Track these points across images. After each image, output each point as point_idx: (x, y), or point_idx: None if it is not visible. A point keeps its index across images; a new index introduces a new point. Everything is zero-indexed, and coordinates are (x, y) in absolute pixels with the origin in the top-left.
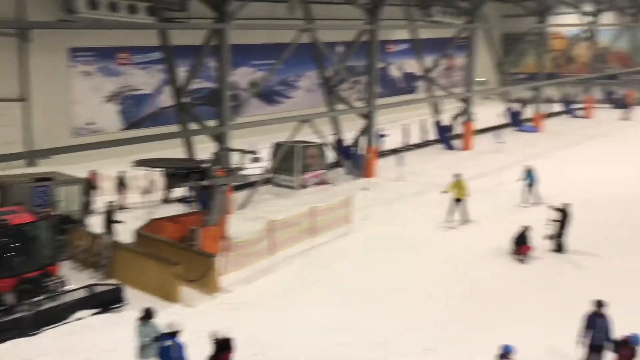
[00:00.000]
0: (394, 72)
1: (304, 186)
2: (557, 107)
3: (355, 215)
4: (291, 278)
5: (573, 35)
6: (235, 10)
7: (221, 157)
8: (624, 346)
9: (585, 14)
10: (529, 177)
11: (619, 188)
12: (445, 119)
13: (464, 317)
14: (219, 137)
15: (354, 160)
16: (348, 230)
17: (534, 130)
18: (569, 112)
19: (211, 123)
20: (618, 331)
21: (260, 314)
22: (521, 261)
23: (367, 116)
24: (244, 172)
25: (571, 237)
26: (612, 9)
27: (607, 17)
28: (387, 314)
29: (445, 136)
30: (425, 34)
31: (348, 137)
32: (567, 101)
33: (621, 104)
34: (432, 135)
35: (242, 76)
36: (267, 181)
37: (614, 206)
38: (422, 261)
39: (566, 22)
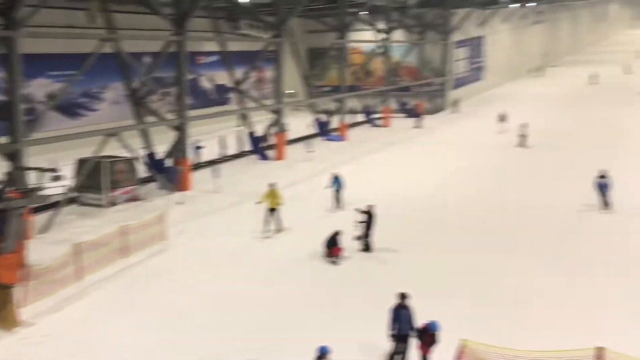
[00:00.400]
0: (205, 83)
1: (113, 203)
2: (359, 117)
3: (170, 231)
4: (102, 303)
5: (370, 51)
6: (26, 16)
7: (16, 177)
8: (425, 333)
9: (379, 31)
10: (336, 183)
11: (414, 188)
12: (259, 130)
13: (285, 322)
14: (13, 155)
15: (167, 173)
16: (164, 247)
17: (340, 139)
18: (369, 121)
19: (2, 140)
20: (420, 319)
21: (68, 345)
22: (334, 263)
23: (179, 128)
24: (43, 192)
25: (377, 236)
26: (402, 27)
27: (398, 35)
28: (208, 330)
29: (259, 147)
30: (235, 46)
31: (160, 150)
32: (367, 111)
33: (413, 113)
34: (248, 146)
35: (39, 88)
36: (71, 200)
37: (411, 205)
38: (240, 272)
39: (363, 38)
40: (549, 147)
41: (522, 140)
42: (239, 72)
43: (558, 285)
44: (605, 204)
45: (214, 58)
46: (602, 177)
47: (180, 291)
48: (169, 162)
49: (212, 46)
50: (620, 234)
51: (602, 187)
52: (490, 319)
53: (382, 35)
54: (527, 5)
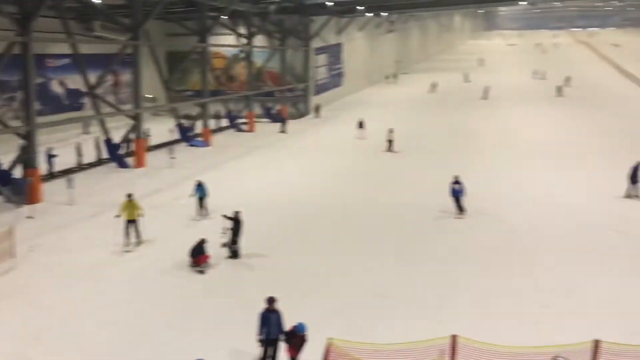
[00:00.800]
0: (57, 88)
1: None
2: (224, 122)
3: (20, 248)
4: None
5: (232, 55)
6: None
7: None
8: (293, 335)
9: (241, 36)
10: (199, 190)
11: (281, 192)
12: (117, 137)
13: (151, 336)
14: None
15: (14, 185)
16: (12, 266)
17: (204, 144)
18: (234, 126)
19: None
20: (290, 322)
21: None
22: (201, 272)
23: (27, 136)
24: None
25: (244, 242)
26: (263, 33)
27: (260, 40)
28: (67, 352)
29: (117, 154)
30: (88, 48)
31: (6, 160)
32: (232, 116)
33: (278, 118)
34: (105, 153)
35: None
36: None
37: (278, 209)
38: (100, 289)
39: (225, 43)
40: (413, 151)
41: (390, 144)
42: (93, 76)
43: (415, 280)
44: (460, 209)
45: (65, 61)
46: (456, 182)
47: (34, 312)
48: (16, 173)
49: (63, 48)
50: (470, 235)
51: (456, 192)
52: (356, 316)
53: (244, 40)
54: (380, 14)
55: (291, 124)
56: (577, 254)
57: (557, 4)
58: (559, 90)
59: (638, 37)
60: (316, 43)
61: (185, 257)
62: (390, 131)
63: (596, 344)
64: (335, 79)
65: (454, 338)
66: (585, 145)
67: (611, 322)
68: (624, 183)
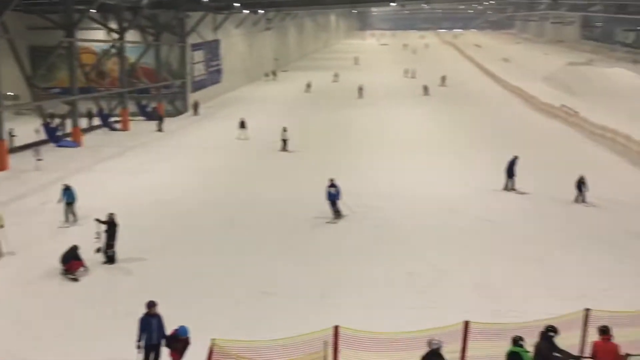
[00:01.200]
0: None
1: None
2: (96, 121)
3: None
4: None
5: (103, 51)
6: None
7: None
8: (175, 339)
9: (112, 30)
10: (67, 195)
11: (159, 193)
12: None
13: (19, 353)
14: None
15: None
16: None
17: (74, 145)
18: (107, 125)
19: None
20: (173, 325)
21: None
22: (74, 279)
23: None
24: None
25: (120, 246)
26: (136, 28)
27: (133, 35)
28: None
29: None
30: None
31: None
32: (104, 115)
33: (154, 116)
34: None
35: None
36: None
37: (156, 210)
38: None
39: (95, 37)
40: (305, 150)
41: (284, 144)
42: None
43: (299, 276)
44: (336, 213)
45: None
46: (332, 185)
47: None
48: None
49: None
50: (350, 230)
51: (332, 196)
52: (240, 314)
53: (115, 35)
54: (257, 12)
55: (168, 122)
56: (450, 243)
57: (425, 6)
58: (425, 90)
59: (496, 39)
60: (193, 39)
61: (55, 266)
62: (284, 130)
63: (466, 324)
64: (213, 76)
65: (335, 328)
66: (456, 141)
67: (478, 303)
68: (501, 177)
